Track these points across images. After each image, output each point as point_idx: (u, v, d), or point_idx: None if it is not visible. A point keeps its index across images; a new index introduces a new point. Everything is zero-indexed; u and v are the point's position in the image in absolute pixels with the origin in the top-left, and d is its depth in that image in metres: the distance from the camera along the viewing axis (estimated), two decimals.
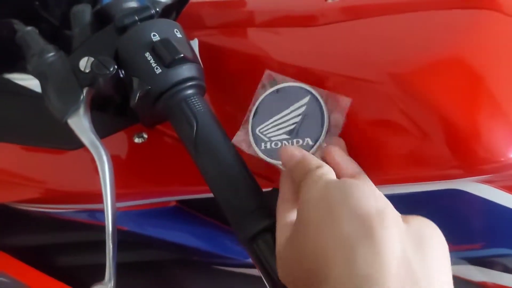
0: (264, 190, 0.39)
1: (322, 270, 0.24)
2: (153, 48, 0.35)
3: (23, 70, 0.59)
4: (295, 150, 0.32)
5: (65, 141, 0.43)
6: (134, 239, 0.46)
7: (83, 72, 0.37)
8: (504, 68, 0.32)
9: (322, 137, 0.35)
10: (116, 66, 0.36)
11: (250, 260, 0.38)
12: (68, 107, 0.36)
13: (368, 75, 0.33)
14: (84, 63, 0.37)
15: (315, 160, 0.30)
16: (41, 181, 0.45)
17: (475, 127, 0.30)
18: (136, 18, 0.37)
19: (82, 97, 0.36)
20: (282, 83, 0.37)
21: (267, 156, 0.36)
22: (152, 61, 0.35)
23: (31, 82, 0.52)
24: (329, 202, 0.26)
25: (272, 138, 0.37)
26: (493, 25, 0.33)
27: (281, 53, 0.38)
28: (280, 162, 0.34)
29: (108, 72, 0.35)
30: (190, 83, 0.36)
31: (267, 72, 0.38)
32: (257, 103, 0.38)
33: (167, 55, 0.35)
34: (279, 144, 0.36)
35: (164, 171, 0.43)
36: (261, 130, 0.37)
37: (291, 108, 0.36)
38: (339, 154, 0.32)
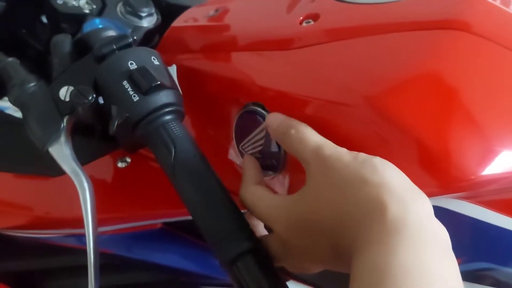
0: (246, 210, 0.40)
1: (370, 216, 0.27)
2: (130, 76, 0.36)
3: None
4: (275, 115, 0.36)
5: (49, 168, 0.43)
6: (121, 262, 0.46)
7: (63, 101, 0.37)
8: (474, 87, 0.32)
9: (281, 159, 0.37)
10: (94, 95, 0.36)
11: None
12: (49, 136, 0.37)
13: (343, 99, 0.34)
14: (64, 92, 0.37)
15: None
16: (27, 207, 0.46)
17: (446, 147, 0.31)
18: (114, 47, 0.38)
19: (62, 125, 0.37)
20: (245, 107, 0.39)
21: None
22: (129, 89, 0.36)
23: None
24: (371, 164, 0.29)
25: (253, 155, 0.39)
26: (462, 44, 0.34)
27: (259, 77, 0.39)
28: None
29: (86, 101, 0.36)
30: (167, 109, 0.36)
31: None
32: (233, 124, 0.40)
33: (144, 83, 0.35)
34: (258, 160, 0.38)
35: (149, 194, 0.44)
36: (242, 147, 0.40)
37: (256, 131, 0.38)
38: None
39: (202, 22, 0.49)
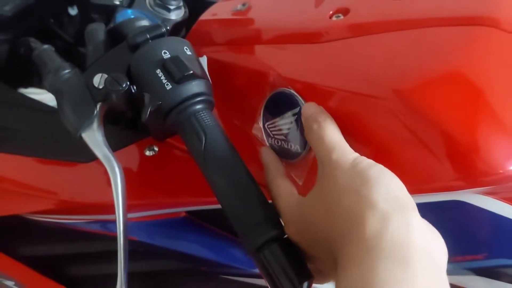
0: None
1: (351, 231, 0.27)
2: (164, 65, 0.36)
3: (38, 85, 0.61)
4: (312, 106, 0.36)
5: (79, 154, 0.45)
6: (144, 249, 0.47)
7: (97, 88, 0.38)
8: (502, 82, 0.33)
9: (307, 147, 0.37)
10: (128, 83, 0.37)
11: (257, 270, 0.39)
12: (82, 122, 0.38)
13: (372, 91, 0.34)
14: (98, 80, 0.38)
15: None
16: (54, 192, 0.47)
17: (474, 141, 0.31)
18: (148, 36, 0.38)
19: (95, 112, 0.38)
20: (280, 88, 0.39)
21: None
22: (162, 77, 0.36)
23: (45, 96, 0.54)
24: (364, 175, 0.29)
25: (275, 136, 0.40)
26: (491, 41, 0.34)
27: (286, 69, 0.40)
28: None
29: (120, 88, 0.37)
30: (199, 99, 0.37)
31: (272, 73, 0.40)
32: (265, 101, 0.40)
33: (177, 72, 0.36)
34: (279, 143, 0.40)
35: (174, 183, 0.45)
36: (268, 126, 0.40)
37: (287, 114, 0.38)
38: None
39: (229, 16, 0.50)
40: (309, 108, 0.36)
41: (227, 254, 0.48)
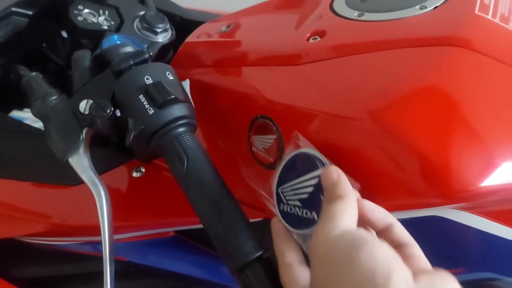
0: (255, 219, 0.41)
1: None
2: (146, 91, 0.38)
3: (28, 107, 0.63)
4: (333, 172, 0.32)
5: (68, 177, 0.45)
6: (135, 269, 0.48)
7: (83, 114, 0.39)
8: (473, 101, 0.34)
9: None
10: (112, 109, 0.38)
11: None
12: (68, 147, 0.39)
13: (347, 112, 0.35)
14: (84, 105, 0.39)
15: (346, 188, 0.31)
16: (46, 215, 0.48)
17: (446, 160, 0.32)
18: (131, 62, 0.40)
19: (81, 137, 0.39)
20: (303, 148, 0.36)
21: (283, 218, 0.36)
22: (145, 102, 0.37)
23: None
24: (334, 261, 0.27)
25: (289, 202, 0.36)
26: (462, 60, 0.35)
27: (268, 91, 0.41)
28: (293, 230, 0.35)
29: (105, 114, 0.38)
30: (181, 122, 0.38)
31: (296, 133, 0.38)
32: (283, 162, 0.37)
33: (159, 97, 0.37)
34: (293, 210, 0.36)
35: (162, 203, 0.46)
36: (282, 190, 0.37)
37: (306, 176, 0.36)
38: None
39: (214, 37, 0.51)
40: (330, 174, 0.32)
41: (217, 272, 0.49)
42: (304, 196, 0.36)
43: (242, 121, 0.42)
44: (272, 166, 0.40)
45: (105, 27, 0.51)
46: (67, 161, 0.39)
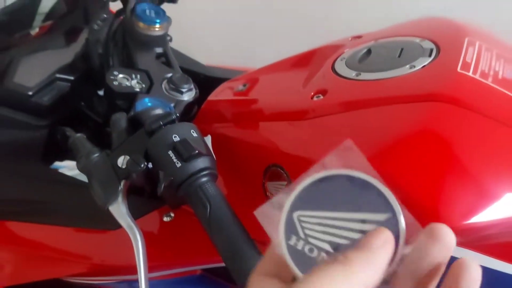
0: None
1: None
2: (174, 147, 0.44)
3: (72, 158, 0.70)
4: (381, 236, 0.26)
5: (106, 223, 0.52)
6: None
7: (121, 168, 0.46)
8: (457, 148, 0.39)
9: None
10: (145, 163, 0.45)
11: None
12: (109, 197, 0.46)
13: None
14: (121, 161, 0.46)
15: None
16: (86, 257, 0.54)
17: (433, 201, 0.37)
18: (161, 123, 0.46)
19: (120, 188, 0.46)
20: (352, 170, 0.28)
21: (290, 256, 0.28)
22: (173, 157, 0.44)
23: (77, 172, 0.63)
24: None
25: (310, 239, 0.28)
26: (446, 114, 0.40)
27: (279, 143, 0.47)
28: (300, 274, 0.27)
29: (139, 168, 0.45)
30: (204, 173, 0.44)
31: (348, 141, 0.31)
32: (306, 182, 0.29)
33: (185, 152, 0.44)
34: (315, 251, 0.27)
35: (189, 244, 0.51)
36: (301, 218, 0.28)
37: (356, 215, 0.27)
38: None
39: (232, 96, 0.58)
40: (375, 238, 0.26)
41: None
42: (342, 241, 0.27)
43: (257, 169, 0.48)
44: None
45: (137, 89, 0.59)
46: (108, 209, 0.46)
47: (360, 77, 0.47)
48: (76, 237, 0.55)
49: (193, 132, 0.46)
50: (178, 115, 0.48)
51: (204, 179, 0.44)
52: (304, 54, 0.59)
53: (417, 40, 0.50)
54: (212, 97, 0.59)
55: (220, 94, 0.60)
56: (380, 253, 0.26)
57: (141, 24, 0.62)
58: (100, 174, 0.47)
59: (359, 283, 0.25)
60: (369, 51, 0.51)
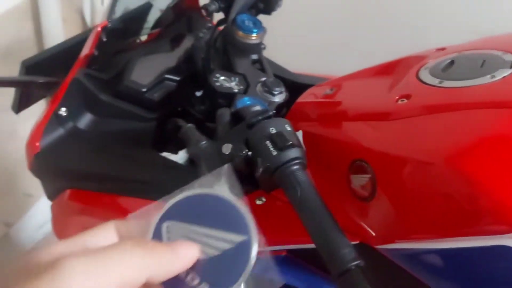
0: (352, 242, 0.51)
1: None
2: (271, 138, 0.51)
3: (170, 151, 0.80)
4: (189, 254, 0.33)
5: None
6: None
7: (225, 154, 0.54)
8: None
9: None
10: (247, 150, 0.52)
11: None
12: (214, 178, 0.53)
13: (429, 158, 0.45)
14: (225, 148, 0.54)
15: None
16: None
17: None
18: (260, 118, 0.54)
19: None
20: (223, 193, 0.35)
21: None
22: (270, 146, 0.51)
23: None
24: None
25: None
26: None
27: (365, 140, 0.52)
28: None
29: (241, 154, 0.52)
30: (295, 162, 0.51)
31: (225, 167, 0.38)
32: (179, 197, 0.35)
33: (280, 142, 0.51)
34: None
35: (277, 225, 0.58)
36: (169, 227, 0.34)
37: (218, 233, 0.33)
38: None
39: (320, 98, 0.64)
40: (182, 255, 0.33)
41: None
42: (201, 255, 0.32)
43: (342, 163, 0.54)
44: (367, 199, 0.51)
45: (236, 90, 0.67)
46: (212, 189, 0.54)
47: (443, 84, 0.52)
48: None
49: (287, 126, 0.53)
50: (274, 112, 0.55)
51: (296, 167, 0.51)
52: (389, 63, 0.64)
53: (499, 53, 0.54)
54: (301, 99, 0.66)
55: (308, 97, 0.66)
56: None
57: (240, 33, 0.70)
58: (207, 159, 0.55)
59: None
60: (452, 62, 0.55)
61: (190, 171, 0.66)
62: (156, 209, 0.34)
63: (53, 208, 0.80)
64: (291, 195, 0.50)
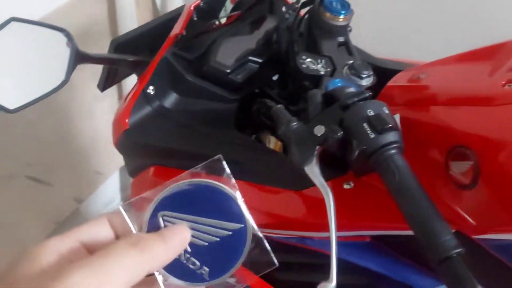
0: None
1: None
2: (369, 120, 0.50)
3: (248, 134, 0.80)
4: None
5: (294, 184, 0.60)
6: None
7: (316, 136, 0.53)
8: None
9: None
10: (342, 132, 0.51)
11: None
12: (304, 159, 0.53)
13: None
14: (318, 130, 0.53)
15: None
16: (268, 211, 0.63)
17: None
18: (356, 99, 0.53)
19: (315, 152, 0.53)
20: (218, 182, 0.35)
21: None
22: (368, 129, 0.50)
23: None
24: None
25: None
26: None
27: (466, 126, 0.50)
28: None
29: (336, 136, 0.51)
30: (394, 145, 0.49)
31: (219, 157, 0.37)
32: (174, 186, 0.35)
33: (379, 125, 0.49)
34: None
35: (364, 210, 0.57)
36: (165, 216, 0.35)
37: (215, 221, 0.34)
38: None
39: (411, 82, 0.62)
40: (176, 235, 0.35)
41: (404, 276, 0.58)
42: (198, 241, 0.34)
43: (440, 149, 0.52)
44: (468, 186, 0.49)
45: (322, 72, 0.66)
46: (303, 170, 0.53)
47: None
48: (269, 193, 0.64)
49: (385, 109, 0.52)
50: (371, 93, 0.54)
51: (394, 151, 0.50)
52: (487, 48, 0.61)
53: None
54: (391, 83, 0.64)
55: (399, 81, 0.64)
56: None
57: (327, 14, 0.69)
58: (298, 140, 0.55)
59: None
60: None
61: (278, 154, 0.66)
62: (148, 200, 0.35)
63: (134, 184, 0.83)
64: (389, 179, 0.48)
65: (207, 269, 0.34)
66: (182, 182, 0.34)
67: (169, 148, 0.71)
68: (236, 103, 0.74)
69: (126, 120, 0.70)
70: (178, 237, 0.34)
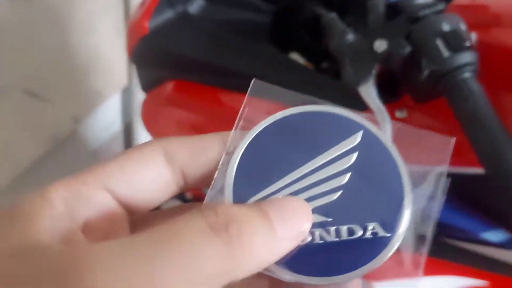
0: None
1: None
2: (444, 36, 0.42)
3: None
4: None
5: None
6: None
7: (376, 52, 0.46)
8: None
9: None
10: (410, 48, 0.44)
11: None
12: (360, 78, 0.46)
13: None
14: (379, 45, 0.46)
15: None
16: None
17: None
18: (428, 12, 0.45)
19: (373, 71, 0.46)
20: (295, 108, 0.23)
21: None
22: (441, 46, 0.42)
23: None
24: None
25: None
26: None
27: None
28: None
29: (402, 52, 0.44)
30: (470, 68, 0.42)
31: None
32: (244, 144, 0.23)
33: (456, 42, 0.42)
34: None
35: None
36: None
37: (323, 156, 0.22)
38: None
39: (480, 1, 0.54)
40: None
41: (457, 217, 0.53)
42: (325, 200, 0.21)
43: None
44: None
45: None
46: (356, 90, 0.46)
47: None
48: None
49: (461, 25, 0.44)
50: (446, 6, 0.46)
51: (469, 74, 0.43)
52: None
53: None
54: (455, 2, 0.56)
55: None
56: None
57: None
58: (354, 55, 0.47)
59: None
60: None
61: (317, 75, 0.59)
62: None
63: (147, 99, 0.75)
64: (461, 106, 0.42)
65: (343, 229, 0.21)
66: (262, 123, 0.22)
67: (194, 59, 0.62)
68: (270, 15, 0.65)
69: (146, 24, 0.62)
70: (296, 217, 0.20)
